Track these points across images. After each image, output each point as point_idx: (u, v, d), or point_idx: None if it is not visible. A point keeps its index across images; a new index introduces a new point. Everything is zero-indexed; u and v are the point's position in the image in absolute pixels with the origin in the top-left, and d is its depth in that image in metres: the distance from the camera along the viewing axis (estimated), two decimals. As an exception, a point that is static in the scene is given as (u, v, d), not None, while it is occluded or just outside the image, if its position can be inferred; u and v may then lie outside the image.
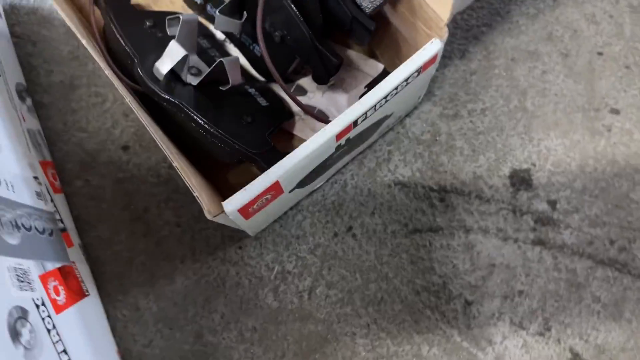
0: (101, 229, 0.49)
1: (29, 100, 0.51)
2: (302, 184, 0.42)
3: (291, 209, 0.49)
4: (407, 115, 0.50)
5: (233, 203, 0.35)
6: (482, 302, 0.46)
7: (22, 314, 0.35)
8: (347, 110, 0.37)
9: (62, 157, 0.51)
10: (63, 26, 0.54)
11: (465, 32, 0.52)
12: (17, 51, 0.53)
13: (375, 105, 0.37)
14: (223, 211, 0.35)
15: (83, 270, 0.46)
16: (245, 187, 0.36)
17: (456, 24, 0.52)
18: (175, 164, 0.36)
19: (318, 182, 0.47)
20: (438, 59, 0.39)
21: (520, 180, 0.48)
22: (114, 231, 0.49)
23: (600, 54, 0.50)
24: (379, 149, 0.49)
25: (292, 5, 0.42)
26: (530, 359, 0.44)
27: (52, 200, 0.46)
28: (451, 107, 0.50)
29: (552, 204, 0.47)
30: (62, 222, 0.46)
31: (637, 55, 0.50)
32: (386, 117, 0.43)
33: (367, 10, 0.41)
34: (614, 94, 0.49)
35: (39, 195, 0.44)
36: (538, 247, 0.47)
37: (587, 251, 0.46)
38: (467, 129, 0.49)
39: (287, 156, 0.36)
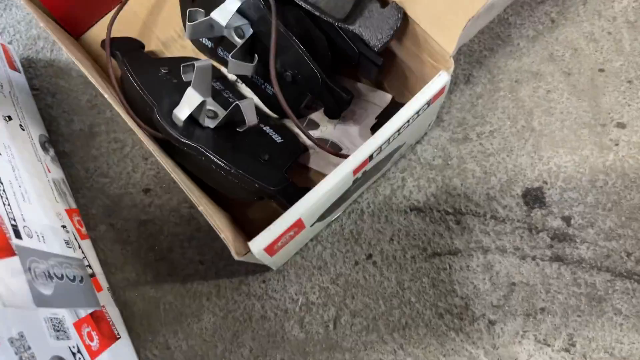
0: (127, 271, 0.50)
1: (52, 151, 0.52)
2: (321, 217, 0.43)
3: (311, 240, 0.50)
4: (418, 142, 0.51)
5: (258, 243, 0.36)
6: (505, 321, 0.47)
7: (61, 363, 0.37)
8: (363, 146, 0.38)
9: (86, 204, 0.52)
10: (80, 76, 0.56)
11: (468, 57, 0.53)
12: (37, 103, 0.55)
13: (389, 139, 0.39)
14: (249, 251, 0.37)
15: (113, 314, 0.47)
16: (269, 227, 0.37)
17: (459, 50, 0.53)
18: (200, 208, 0.37)
19: (336, 213, 0.48)
20: (446, 90, 0.41)
21: (534, 198, 0.49)
22: (141, 272, 0.50)
23: (601, 70, 0.52)
24: (393, 176, 0.51)
25: (302, 46, 0.44)
26: (557, 375, 0.45)
27: (79, 247, 0.48)
28: (460, 131, 0.51)
29: (567, 220, 0.48)
30: (90, 267, 0.48)
31: (638, 70, 0.51)
32: (399, 147, 0.45)
33: (375, 49, 0.42)
34: (619, 108, 0.50)
35: (67, 243, 0.46)
36: (556, 264, 0.47)
37: (605, 265, 0.47)
38: (477, 151, 0.51)
39: (308, 194, 0.37)
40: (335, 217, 0.50)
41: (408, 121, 0.39)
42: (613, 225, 0.48)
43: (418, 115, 0.40)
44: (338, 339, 0.47)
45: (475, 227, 0.49)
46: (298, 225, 0.38)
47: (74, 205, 0.51)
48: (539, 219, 0.49)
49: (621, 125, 0.50)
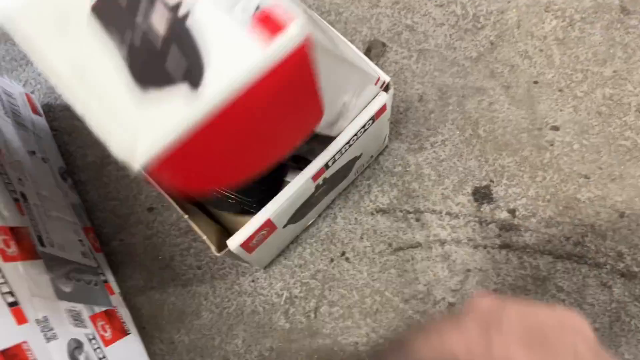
0: (136, 279, 0.58)
1: (69, 180, 0.61)
2: (293, 220, 0.51)
3: (292, 242, 0.57)
4: (380, 153, 0.59)
5: (235, 240, 0.44)
6: (463, 302, 0.53)
7: (78, 345, 0.44)
8: (319, 157, 0.46)
9: (100, 223, 0.61)
10: (92, 117, 0.66)
11: (421, 78, 0.62)
12: (57, 141, 0.65)
13: (340, 150, 0.47)
14: (227, 248, 0.44)
15: (124, 314, 0.55)
16: (244, 226, 0.45)
17: (413, 72, 0.62)
18: (185, 217, 0.46)
19: (311, 217, 0.56)
20: (388, 108, 0.49)
21: (482, 195, 0.56)
22: (147, 279, 0.58)
23: (536, 82, 0.59)
24: (360, 184, 0.58)
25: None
26: (510, 347, 0.51)
27: (94, 258, 0.56)
28: (416, 142, 0.59)
29: (512, 212, 0.55)
30: (103, 275, 0.56)
31: (567, 80, 0.59)
32: (357, 158, 0.52)
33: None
34: (552, 114, 0.58)
35: (84, 254, 0.54)
36: (504, 250, 0.54)
37: (547, 249, 0.54)
38: (431, 158, 0.58)
39: (274, 198, 0.45)
40: (312, 221, 0.57)
41: (356, 134, 0.47)
42: (552, 214, 0.55)
43: (365, 130, 0.48)
44: (318, 326, 0.54)
45: (433, 223, 0.56)
46: (269, 225, 0.46)
47: (89, 224, 0.60)
48: (487, 213, 0.56)
49: (555, 128, 0.58)
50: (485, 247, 0.55)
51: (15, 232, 0.44)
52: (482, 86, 0.60)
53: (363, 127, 0.47)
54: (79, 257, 0.53)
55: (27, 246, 0.45)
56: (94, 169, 0.63)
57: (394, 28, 0.64)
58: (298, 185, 0.45)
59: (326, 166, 0.47)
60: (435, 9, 0.64)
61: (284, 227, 0.50)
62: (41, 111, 0.66)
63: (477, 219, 0.56)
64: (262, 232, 0.46)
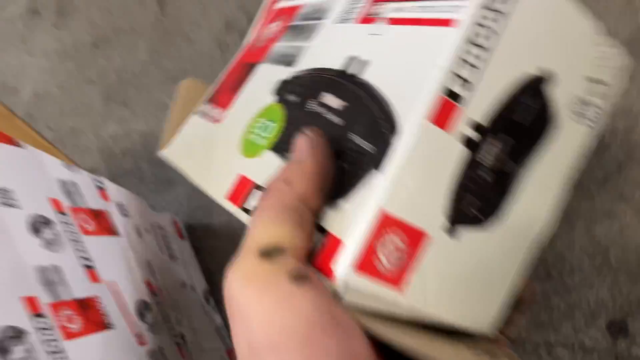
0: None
1: (212, 301, 0.68)
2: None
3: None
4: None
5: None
6: None
7: None
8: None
9: (238, 341, 0.66)
10: (229, 235, 0.72)
11: (544, 201, 0.62)
12: (199, 261, 0.72)
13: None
14: None
15: None
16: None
17: (535, 194, 0.62)
18: None
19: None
20: None
21: (618, 329, 0.55)
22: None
23: (671, 206, 0.57)
24: (486, 312, 0.59)
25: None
26: None
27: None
28: (542, 270, 0.59)
29: (652, 349, 0.53)
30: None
31: None
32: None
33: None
34: (692, 241, 0.55)
35: (230, 381, 0.60)
36: (646, 392, 0.53)
37: (695, 392, 0.51)
38: (559, 287, 0.58)
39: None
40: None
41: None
42: (699, 354, 0.52)
43: None
44: None
45: (565, 357, 0.56)
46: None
47: (231, 346, 0.65)
48: (624, 349, 0.54)
49: (696, 258, 0.55)
50: (623, 386, 0.53)
51: (179, 382, 0.50)
52: (611, 210, 0.59)
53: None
54: (227, 386, 0.58)
55: (189, 394, 0.50)
56: (232, 288, 0.69)
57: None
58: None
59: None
60: (556, 127, 0.64)
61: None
62: (185, 234, 0.73)
63: (613, 355, 0.54)
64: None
